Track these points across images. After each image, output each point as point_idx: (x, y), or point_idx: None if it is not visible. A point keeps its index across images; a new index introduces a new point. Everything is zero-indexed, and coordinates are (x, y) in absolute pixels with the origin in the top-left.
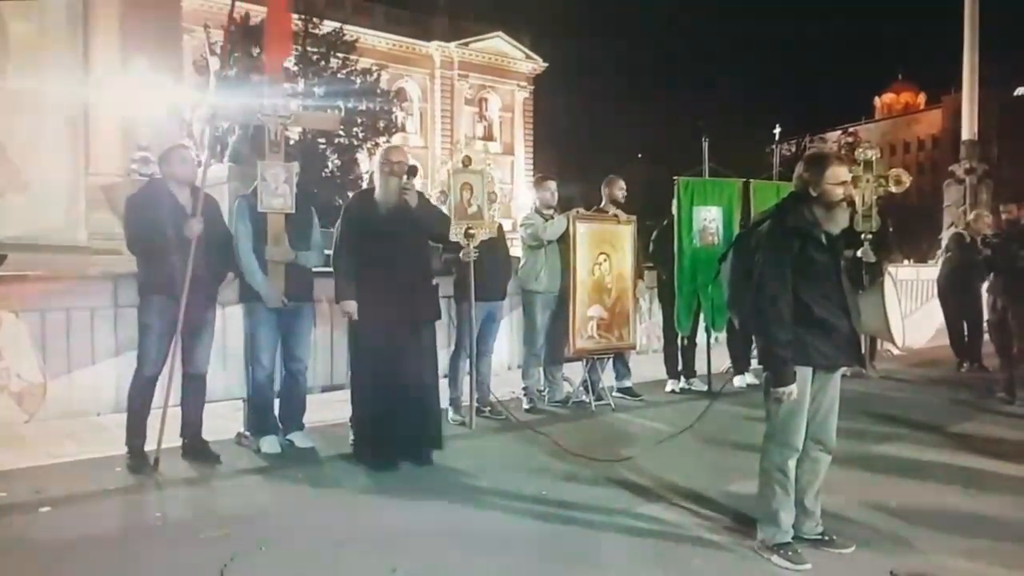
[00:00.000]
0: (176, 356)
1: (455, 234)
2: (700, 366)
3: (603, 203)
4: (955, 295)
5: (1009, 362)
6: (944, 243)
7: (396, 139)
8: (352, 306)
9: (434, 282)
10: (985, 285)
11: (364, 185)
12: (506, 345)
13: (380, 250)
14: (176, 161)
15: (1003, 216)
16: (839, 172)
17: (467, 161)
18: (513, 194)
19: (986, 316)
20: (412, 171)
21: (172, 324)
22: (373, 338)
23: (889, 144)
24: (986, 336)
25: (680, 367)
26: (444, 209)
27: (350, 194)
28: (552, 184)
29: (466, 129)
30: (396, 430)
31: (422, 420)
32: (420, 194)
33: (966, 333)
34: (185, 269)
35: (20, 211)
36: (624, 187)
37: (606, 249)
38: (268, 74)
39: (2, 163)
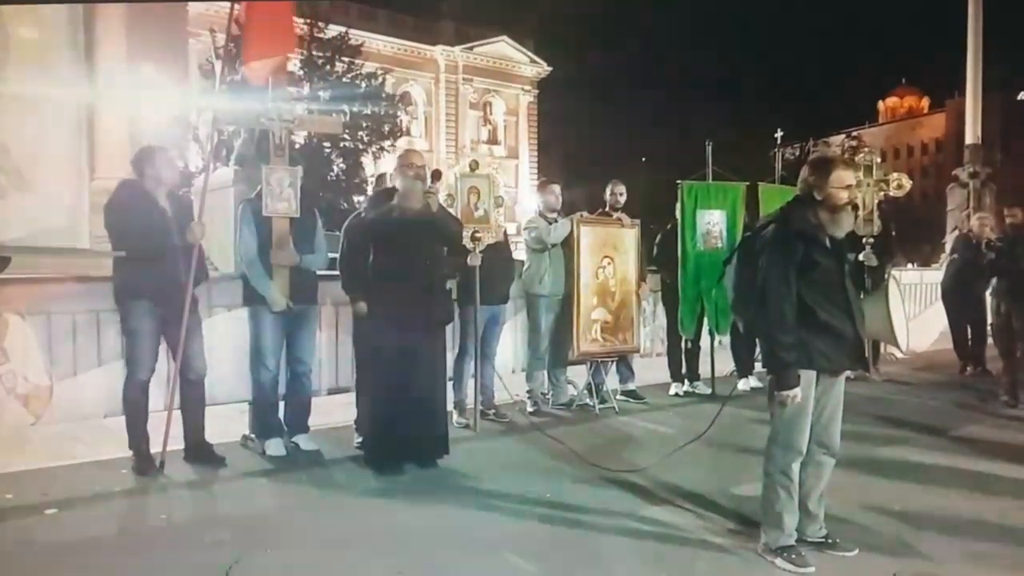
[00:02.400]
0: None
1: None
2: (704, 369)
3: (606, 207)
4: (959, 298)
5: (1012, 365)
6: (949, 246)
7: (401, 143)
8: (362, 307)
9: (447, 285)
10: (989, 289)
11: (369, 189)
12: (510, 348)
13: (400, 252)
14: (162, 164)
15: (1007, 220)
16: (844, 176)
17: (474, 165)
18: (517, 198)
19: (990, 319)
20: (436, 175)
21: (157, 326)
22: (388, 340)
23: (893, 148)
24: (990, 339)
25: (684, 370)
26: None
27: (355, 198)
28: (556, 188)
29: (471, 133)
30: (404, 432)
31: (430, 422)
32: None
33: (970, 336)
34: (165, 272)
35: (24, 214)
36: (624, 191)
37: (609, 252)
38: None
39: (6, 164)
